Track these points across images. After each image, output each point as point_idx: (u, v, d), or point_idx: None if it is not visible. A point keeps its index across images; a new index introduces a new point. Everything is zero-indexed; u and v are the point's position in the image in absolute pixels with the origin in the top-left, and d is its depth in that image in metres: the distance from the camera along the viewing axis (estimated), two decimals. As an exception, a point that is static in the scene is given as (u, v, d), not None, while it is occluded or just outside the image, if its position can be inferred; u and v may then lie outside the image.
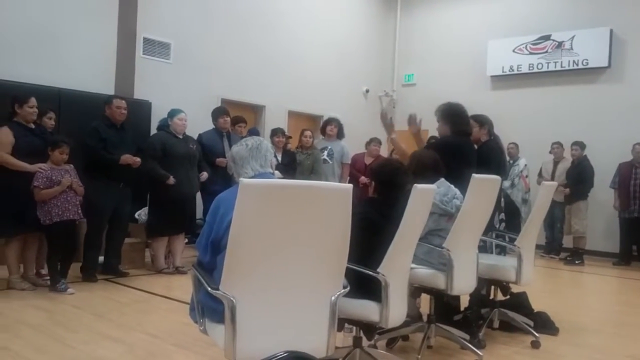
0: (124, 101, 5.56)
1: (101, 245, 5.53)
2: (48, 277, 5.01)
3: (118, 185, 5.45)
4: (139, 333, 3.80)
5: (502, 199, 7.34)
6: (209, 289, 2.07)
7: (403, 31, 11.59)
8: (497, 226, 5.57)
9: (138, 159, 5.46)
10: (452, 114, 4.26)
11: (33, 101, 4.93)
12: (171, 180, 5.71)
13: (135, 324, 4.01)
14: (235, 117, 6.89)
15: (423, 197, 2.91)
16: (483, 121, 4.53)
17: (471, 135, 4.40)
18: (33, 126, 5.00)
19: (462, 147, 4.17)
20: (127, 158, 5.37)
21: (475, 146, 4.49)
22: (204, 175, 6.04)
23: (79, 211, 4.95)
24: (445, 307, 3.82)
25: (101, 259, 5.62)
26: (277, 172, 5.84)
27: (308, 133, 6.98)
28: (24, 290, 4.81)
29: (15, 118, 4.90)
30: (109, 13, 7.21)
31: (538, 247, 5.06)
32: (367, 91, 11.31)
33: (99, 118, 5.50)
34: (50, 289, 4.86)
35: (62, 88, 6.54)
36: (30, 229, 4.88)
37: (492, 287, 4.19)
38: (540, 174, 8.74)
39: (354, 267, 2.58)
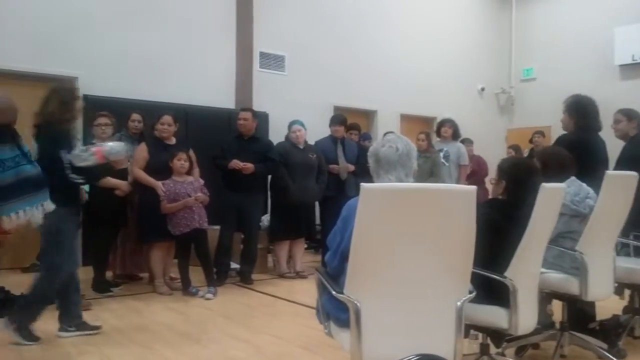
0: (247, 113, 5.84)
1: (227, 250, 5.78)
2: (179, 281, 5.35)
3: (235, 192, 5.66)
4: (267, 335, 3.96)
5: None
6: (333, 292, 2.10)
7: (519, 23, 11.11)
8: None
9: (249, 165, 5.57)
10: (580, 108, 4.05)
11: (165, 119, 5.31)
12: (291, 189, 5.92)
13: (263, 327, 4.19)
14: (349, 125, 6.99)
15: (552, 197, 2.76)
16: (632, 115, 4.30)
17: (599, 131, 4.13)
18: (174, 141, 5.36)
19: (590, 143, 3.93)
20: (234, 163, 5.56)
21: (624, 142, 4.27)
22: None
23: (205, 220, 5.19)
24: (579, 314, 3.60)
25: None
26: None
27: (421, 136, 6.85)
28: (162, 294, 5.17)
29: (155, 134, 5.34)
30: (228, 31, 7.66)
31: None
32: (483, 89, 10.97)
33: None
34: (184, 293, 5.20)
35: (188, 104, 7.02)
36: (165, 237, 5.20)
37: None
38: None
39: (480, 271, 2.51)
